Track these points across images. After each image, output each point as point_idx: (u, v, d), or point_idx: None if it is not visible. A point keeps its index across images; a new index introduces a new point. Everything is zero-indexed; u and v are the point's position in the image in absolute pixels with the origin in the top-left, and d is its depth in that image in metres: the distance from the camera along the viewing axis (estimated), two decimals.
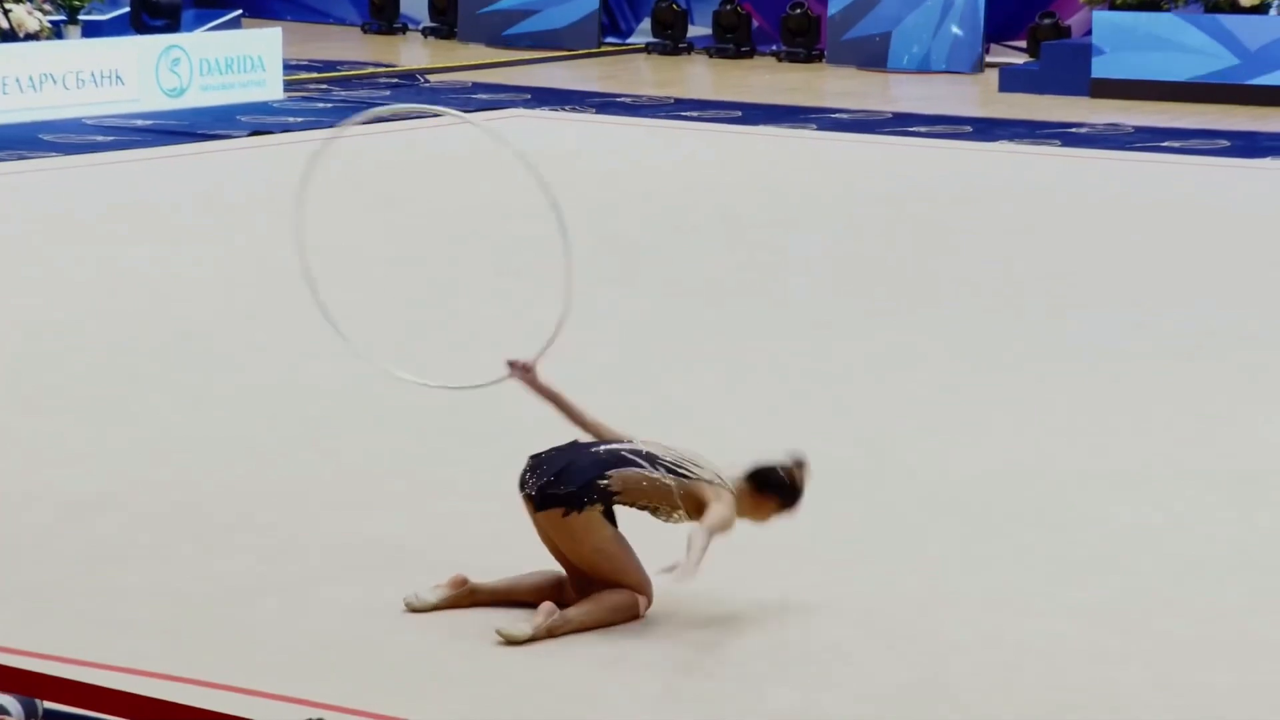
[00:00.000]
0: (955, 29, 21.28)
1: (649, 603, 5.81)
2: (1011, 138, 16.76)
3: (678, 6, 23.62)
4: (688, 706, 5.25)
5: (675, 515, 5.71)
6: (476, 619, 5.72)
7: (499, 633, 5.66)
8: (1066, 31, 21.09)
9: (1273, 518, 6.85)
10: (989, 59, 21.43)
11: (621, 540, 5.69)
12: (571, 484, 5.58)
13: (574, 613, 5.75)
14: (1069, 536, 6.59)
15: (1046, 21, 21.10)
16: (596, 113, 18.74)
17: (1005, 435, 7.83)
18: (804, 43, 22.40)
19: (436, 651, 5.52)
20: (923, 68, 21.18)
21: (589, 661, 5.48)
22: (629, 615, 5.77)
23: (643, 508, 5.69)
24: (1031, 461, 7.47)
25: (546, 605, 5.72)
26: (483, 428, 7.54)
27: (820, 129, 17.48)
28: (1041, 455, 7.54)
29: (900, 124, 17.73)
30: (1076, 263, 11.50)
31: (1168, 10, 18.53)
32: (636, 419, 6.31)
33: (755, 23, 23.20)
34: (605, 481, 5.61)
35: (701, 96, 19.98)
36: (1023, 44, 21.73)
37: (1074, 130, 16.98)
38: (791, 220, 12.77)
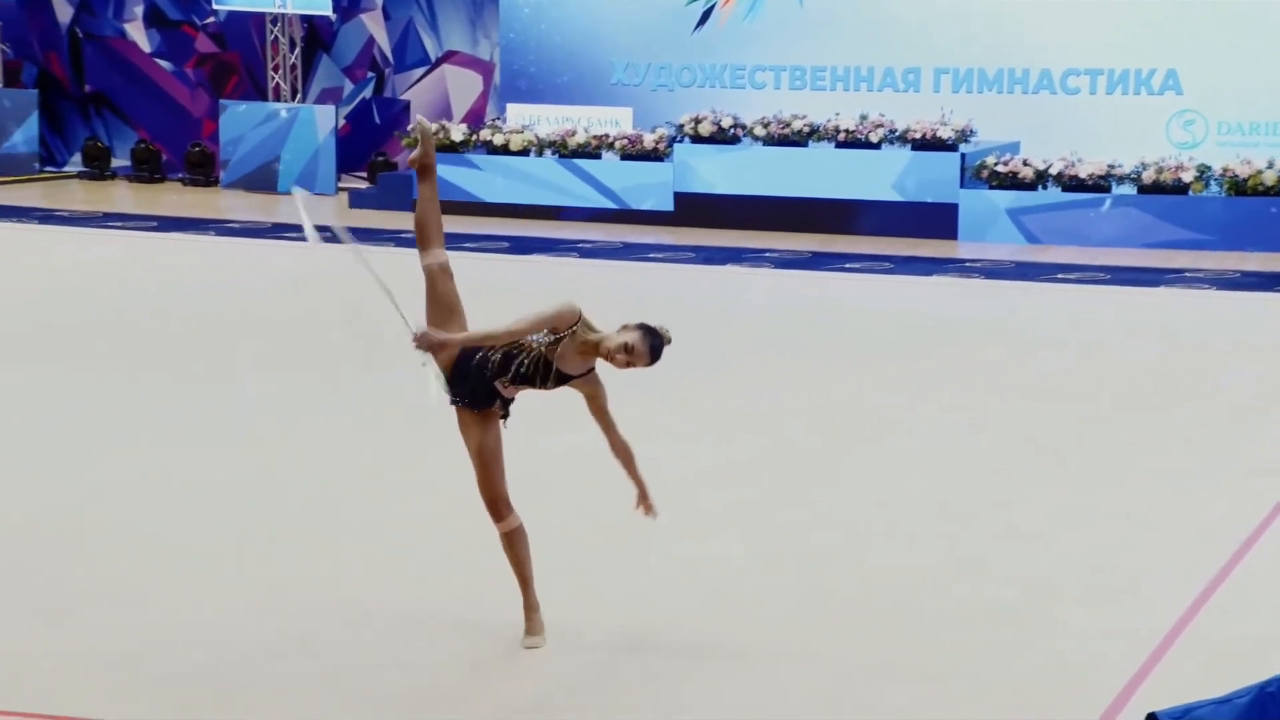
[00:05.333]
0: (321, 162, 22.64)
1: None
2: (361, 240, 17.18)
3: (101, 144, 24.74)
4: None
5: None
6: None
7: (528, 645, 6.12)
8: (394, 166, 22.68)
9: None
10: (341, 185, 22.81)
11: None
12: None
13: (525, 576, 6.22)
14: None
15: (380, 159, 23.07)
16: (39, 224, 19.60)
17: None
18: (203, 172, 23.74)
19: None
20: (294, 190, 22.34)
21: None
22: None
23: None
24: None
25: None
26: None
27: (218, 235, 18.84)
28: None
29: (279, 231, 18.83)
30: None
31: (463, 154, 20.24)
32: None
33: (164, 156, 24.37)
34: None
35: (124, 211, 20.89)
36: (365, 174, 23.34)
37: (403, 235, 17.66)
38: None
